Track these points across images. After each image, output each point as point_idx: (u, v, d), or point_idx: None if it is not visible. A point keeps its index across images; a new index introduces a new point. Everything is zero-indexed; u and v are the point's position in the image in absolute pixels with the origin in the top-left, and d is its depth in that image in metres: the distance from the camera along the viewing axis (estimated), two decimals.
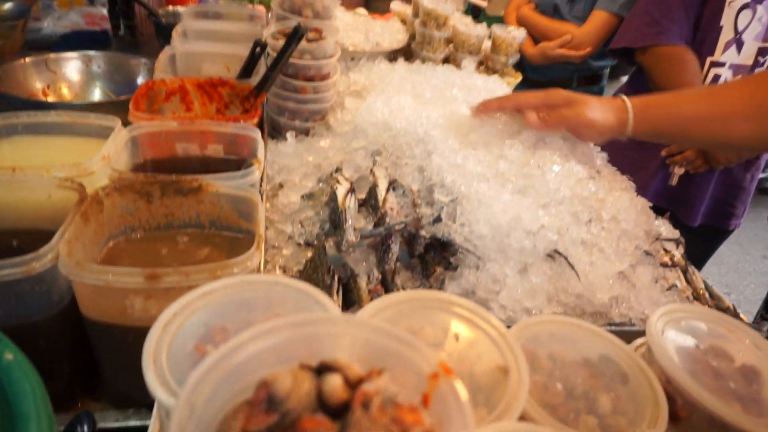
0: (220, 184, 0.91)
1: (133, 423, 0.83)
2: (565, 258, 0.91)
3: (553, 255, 0.91)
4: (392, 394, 0.41)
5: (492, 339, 0.60)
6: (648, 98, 1.11)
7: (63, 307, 0.78)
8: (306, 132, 1.28)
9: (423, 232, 0.90)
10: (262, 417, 0.39)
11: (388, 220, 0.91)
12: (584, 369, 0.68)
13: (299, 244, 0.96)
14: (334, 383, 0.41)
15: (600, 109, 1.07)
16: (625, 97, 1.10)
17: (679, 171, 1.84)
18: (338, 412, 0.40)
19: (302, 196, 1.03)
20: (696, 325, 0.75)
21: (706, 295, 1.02)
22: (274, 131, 1.33)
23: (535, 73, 2.30)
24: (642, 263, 0.97)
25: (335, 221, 0.95)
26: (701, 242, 1.93)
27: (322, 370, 0.42)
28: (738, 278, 3.68)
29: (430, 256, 0.90)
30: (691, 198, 1.84)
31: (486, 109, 1.15)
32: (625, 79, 2.30)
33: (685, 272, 1.03)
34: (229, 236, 0.94)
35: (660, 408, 0.63)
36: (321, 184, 1.04)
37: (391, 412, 0.39)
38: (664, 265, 1.00)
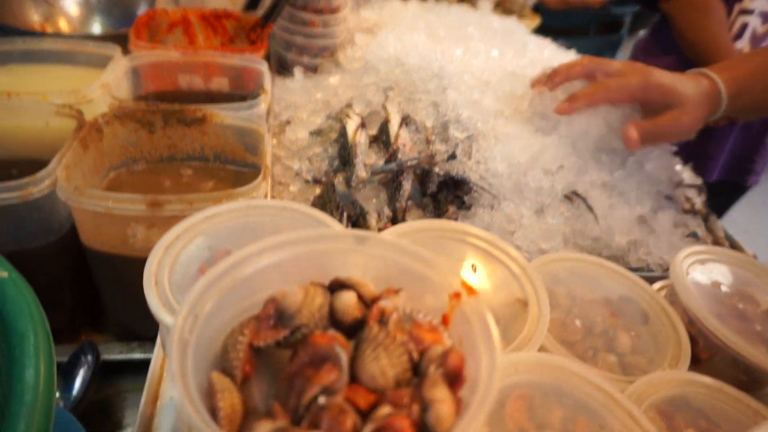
0: (225, 114, 0.87)
1: (137, 356, 0.82)
2: (584, 200, 0.87)
3: (571, 196, 0.88)
4: (410, 313, 0.38)
5: (511, 271, 0.57)
6: (735, 70, 0.95)
7: (63, 236, 0.76)
8: (314, 69, 1.23)
9: (436, 170, 0.86)
10: (270, 332, 0.36)
11: (400, 156, 0.87)
12: (604, 308, 0.65)
13: (307, 181, 0.92)
14: (348, 300, 0.38)
15: (695, 108, 0.90)
16: (714, 76, 0.93)
17: None
18: (351, 330, 0.37)
19: (310, 132, 0.98)
20: (722, 268, 0.72)
21: (726, 244, 0.98)
22: (281, 68, 1.27)
23: (552, 19, 2.20)
24: (663, 208, 0.94)
25: (345, 157, 0.91)
26: (717, 198, 1.87)
27: (335, 287, 0.40)
28: (747, 239, 3.63)
29: (443, 195, 0.87)
30: (709, 152, 1.79)
31: (576, 106, 0.94)
32: (643, 33, 2.20)
33: (706, 220, 0.99)
34: (233, 170, 0.90)
35: (682, 348, 0.61)
36: (330, 121, 0.99)
37: (409, 330, 0.36)
38: (685, 211, 0.96)
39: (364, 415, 0.32)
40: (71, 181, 0.72)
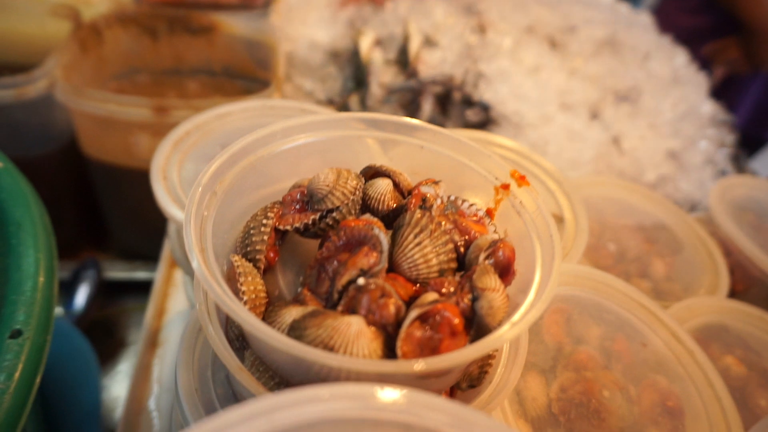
0: (235, 24, 0.81)
1: (141, 275, 0.79)
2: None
3: (600, 121, 0.83)
4: (455, 201, 0.34)
5: (544, 185, 0.53)
6: None
7: (63, 145, 0.71)
8: None
9: (458, 93, 0.81)
10: (298, 215, 0.32)
11: (420, 75, 0.82)
12: (637, 234, 0.62)
13: (319, 101, 0.87)
14: (385, 187, 0.34)
15: None
16: None
17: (720, 71, 1.70)
18: (386, 221, 0.33)
19: (324, 52, 0.92)
20: (761, 198, 0.68)
21: None
22: None
23: None
24: (693, 144, 0.89)
25: (359, 77, 0.85)
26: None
27: (369, 175, 0.35)
28: None
29: (464, 120, 0.82)
30: (731, 101, 1.72)
31: None
32: None
33: (735, 159, 0.95)
34: (242, 85, 0.85)
35: (720, 277, 0.57)
36: (344, 39, 0.93)
37: (453, 219, 0.32)
38: (715, 147, 0.91)
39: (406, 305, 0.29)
40: (70, 83, 0.66)
